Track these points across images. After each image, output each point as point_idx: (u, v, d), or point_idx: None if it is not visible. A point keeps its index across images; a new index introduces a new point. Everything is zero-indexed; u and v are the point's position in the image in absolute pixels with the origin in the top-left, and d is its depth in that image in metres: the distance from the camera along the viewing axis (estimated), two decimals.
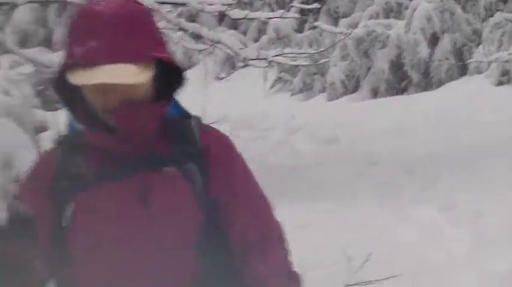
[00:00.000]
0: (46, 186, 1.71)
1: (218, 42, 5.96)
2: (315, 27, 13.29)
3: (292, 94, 16.13)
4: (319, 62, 10.54)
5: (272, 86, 16.46)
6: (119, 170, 1.68)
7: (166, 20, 5.93)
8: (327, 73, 14.75)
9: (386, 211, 6.40)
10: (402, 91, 13.95)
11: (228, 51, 6.10)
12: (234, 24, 17.33)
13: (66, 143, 1.75)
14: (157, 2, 5.69)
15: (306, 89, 15.73)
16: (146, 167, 1.68)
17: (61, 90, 1.67)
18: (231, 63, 16.96)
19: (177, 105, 1.80)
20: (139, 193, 1.67)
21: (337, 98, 14.61)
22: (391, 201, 6.88)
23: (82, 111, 1.69)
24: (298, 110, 13.69)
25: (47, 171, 1.72)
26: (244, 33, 17.22)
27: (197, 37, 6.80)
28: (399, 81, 13.93)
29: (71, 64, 1.59)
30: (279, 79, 16.25)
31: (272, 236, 1.75)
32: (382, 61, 13.74)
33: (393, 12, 15.07)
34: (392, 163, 8.62)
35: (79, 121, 1.72)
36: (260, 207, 1.77)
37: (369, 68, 14.42)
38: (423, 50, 13.20)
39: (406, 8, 14.30)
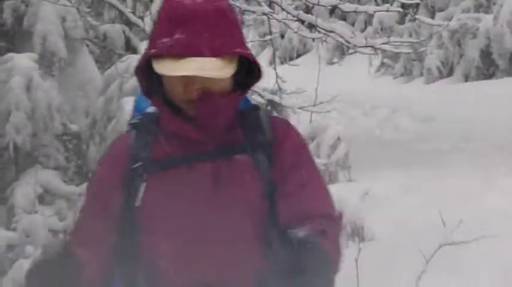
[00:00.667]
0: (120, 170, 1.55)
1: (331, 31, 5.94)
2: (414, 20, 13.16)
3: (394, 78, 16.66)
4: (418, 50, 10.41)
5: (377, 71, 16.78)
6: (194, 155, 1.53)
7: (286, 11, 5.97)
8: (424, 60, 15.41)
9: (478, 180, 6.40)
10: (490, 76, 14.41)
11: (340, 39, 6.05)
12: (343, 16, 17.84)
13: (141, 128, 1.58)
14: None
15: (406, 74, 16.16)
16: (219, 154, 1.54)
17: (143, 76, 1.51)
18: (341, 50, 16.90)
19: (246, 98, 1.65)
20: (212, 178, 1.51)
21: (434, 81, 14.88)
22: (481, 172, 6.83)
23: (161, 98, 1.53)
24: (399, 91, 13.53)
25: (122, 154, 1.57)
26: (352, 24, 17.18)
27: (312, 26, 6.72)
28: (488, 67, 14.28)
29: (157, 54, 1.44)
30: (382, 64, 16.59)
31: (333, 217, 1.55)
32: (472, 50, 13.95)
33: (483, 7, 15.74)
34: (484, 138, 8.43)
35: (158, 108, 1.57)
36: (322, 195, 1.56)
37: (461, 56, 15.12)
38: (509, 41, 12.84)
39: (494, 3, 14.59)
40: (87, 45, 6.09)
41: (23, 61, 4.91)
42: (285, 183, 1.49)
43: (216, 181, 1.48)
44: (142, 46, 5.77)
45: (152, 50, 1.43)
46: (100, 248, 1.50)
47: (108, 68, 5.76)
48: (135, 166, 1.51)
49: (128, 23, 6.43)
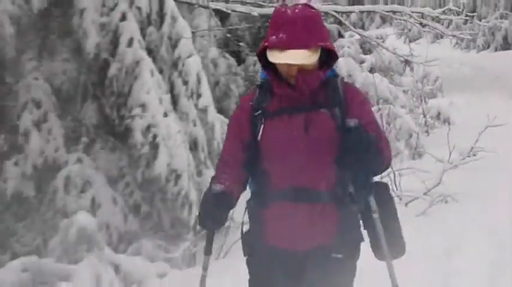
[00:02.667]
0: (248, 114, 2.41)
1: (435, 28, 13.13)
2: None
3: (461, 48, 27.31)
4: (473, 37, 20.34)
5: (453, 46, 28.00)
6: (294, 109, 2.35)
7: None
8: (476, 40, 24.87)
9: (505, 101, 13.25)
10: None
11: (439, 30, 13.19)
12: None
13: (262, 88, 2.42)
14: None
15: (466, 47, 26.91)
16: (310, 108, 2.34)
17: (261, 60, 2.38)
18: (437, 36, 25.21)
19: (333, 70, 2.44)
20: (304, 123, 2.33)
21: (480, 51, 25.74)
22: (502, 95, 14.12)
23: (274, 73, 2.38)
24: (464, 55, 24.91)
25: (249, 105, 2.44)
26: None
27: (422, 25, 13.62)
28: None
29: (271, 45, 2.25)
30: (456, 43, 26.63)
31: (382, 140, 2.33)
32: (498, 36, 24.73)
33: None
34: (509, 79, 16.84)
35: (272, 79, 2.39)
36: (377, 126, 2.38)
37: (493, 39, 24.22)
38: None
39: None
40: None
41: None
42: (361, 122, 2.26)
43: (306, 125, 2.33)
44: None
45: (266, 44, 2.30)
46: (236, 161, 2.42)
47: None
48: (256, 113, 2.39)
49: None
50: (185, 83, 5.96)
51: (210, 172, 5.91)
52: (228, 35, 9.58)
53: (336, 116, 2.30)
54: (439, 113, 11.24)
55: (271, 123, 2.34)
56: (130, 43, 5.70)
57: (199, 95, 6.11)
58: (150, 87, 5.63)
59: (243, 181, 2.45)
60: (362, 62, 11.28)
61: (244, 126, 2.39)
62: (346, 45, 11.06)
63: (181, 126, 5.91)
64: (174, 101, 6.12)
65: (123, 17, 5.70)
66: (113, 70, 5.72)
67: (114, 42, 5.73)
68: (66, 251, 4.61)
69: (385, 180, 5.77)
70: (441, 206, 6.20)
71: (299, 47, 2.20)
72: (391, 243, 2.34)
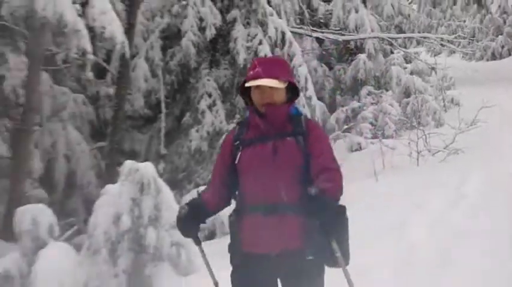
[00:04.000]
0: (230, 145, 2.76)
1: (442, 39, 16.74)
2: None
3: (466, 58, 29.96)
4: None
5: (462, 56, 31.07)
6: (264, 137, 2.66)
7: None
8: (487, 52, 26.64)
9: None
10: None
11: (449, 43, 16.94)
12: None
13: (241, 124, 2.80)
14: None
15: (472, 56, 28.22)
16: (278, 137, 2.65)
17: (242, 93, 2.79)
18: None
19: (297, 109, 2.78)
20: (273, 149, 2.62)
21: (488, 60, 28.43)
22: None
23: (250, 104, 2.75)
24: (468, 63, 29.77)
25: (230, 138, 2.79)
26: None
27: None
28: None
29: (248, 78, 2.66)
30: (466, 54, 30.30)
31: (331, 171, 2.54)
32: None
33: None
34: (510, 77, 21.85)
35: (250, 111, 2.74)
36: (330, 156, 2.62)
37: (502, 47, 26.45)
38: None
39: None
40: None
41: None
42: (312, 153, 2.58)
43: (274, 151, 2.60)
44: None
45: (245, 80, 2.69)
46: (219, 180, 2.77)
47: None
48: (236, 143, 2.71)
49: None
50: (298, 82, 9.40)
51: None
52: (324, 52, 13.98)
53: (300, 143, 2.63)
54: (452, 99, 16.07)
55: (246, 150, 2.67)
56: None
57: (306, 89, 9.56)
58: None
59: (224, 197, 2.79)
60: (405, 68, 15.55)
61: (226, 155, 2.75)
62: (396, 58, 14.42)
63: None
64: None
65: (260, 42, 9.17)
66: None
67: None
68: None
69: (420, 141, 9.40)
70: (455, 156, 9.45)
71: (270, 76, 2.61)
72: (344, 256, 2.51)
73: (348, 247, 2.51)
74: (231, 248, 2.71)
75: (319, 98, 11.60)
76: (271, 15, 9.50)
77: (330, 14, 13.74)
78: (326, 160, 2.56)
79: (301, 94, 9.41)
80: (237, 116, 9.21)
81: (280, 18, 10.06)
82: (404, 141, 9.48)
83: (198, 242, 2.83)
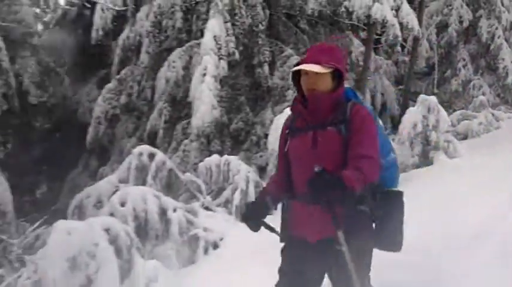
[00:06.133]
0: (284, 132, 2.91)
1: None
2: None
3: None
4: None
5: None
6: (307, 126, 2.75)
7: None
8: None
9: None
10: None
11: None
12: None
13: (290, 115, 2.93)
14: None
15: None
16: (319, 127, 2.71)
17: (293, 78, 2.85)
18: None
19: (350, 94, 2.80)
20: (313, 140, 2.70)
21: None
22: None
23: (299, 94, 2.83)
24: None
25: (286, 125, 2.93)
26: None
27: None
28: None
29: (297, 64, 2.75)
30: None
31: (361, 159, 2.55)
32: None
33: None
34: None
35: (294, 99, 2.85)
36: (365, 147, 2.59)
37: None
38: None
39: None
40: None
41: None
42: (351, 139, 2.62)
43: (314, 142, 2.69)
44: None
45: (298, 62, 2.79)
46: (281, 166, 2.91)
47: None
48: (287, 131, 2.86)
49: None
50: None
51: None
52: None
53: (341, 132, 2.65)
54: None
55: (292, 139, 2.81)
56: None
57: None
58: None
59: (286, 186, 2.85)
60: None
61: (282, 142, 2.91)
62: None
63: None
64: None
65: None
66: None
67: None
68: None
69: None
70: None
71: (312, 62, 2.67)
72: (386, 239, 2.69)
73: (395, 231, 2.74)
74: (281, 231, 2.88)
75: None
76: None
77: None
78: (361, 147, 2.60)
79: None
80: None
81: None
82: None
83: (273, 231, 2.91)
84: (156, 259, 4.98)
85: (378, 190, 2.69)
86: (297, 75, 2.79)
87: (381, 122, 2.80)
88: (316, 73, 2.65)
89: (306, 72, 2.69)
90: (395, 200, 2.79)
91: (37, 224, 7.08)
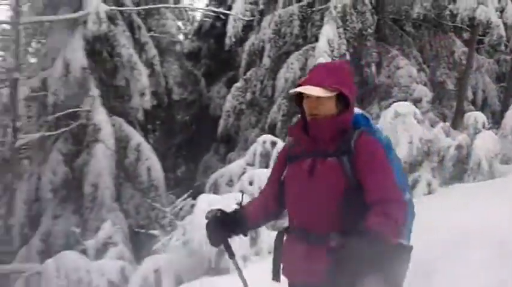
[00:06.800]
0: (284, 156, 2.65)
1: None
2: None
3: None
4: None
5: None
6: (306, 154, 2.47)
7: None
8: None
9: None
10: None
11: None
12: None
13: (290, 140, 2.69)
14: None
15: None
16: (318, 155, 2.42)
17: (295, 100, 2.54)
18: None
19: (361, 120, 2.47)
20: (309, 169, 2.44)
21: None
22: None
23: (302, 118, 2.54)
24: None
25: (286, 149, 2.68)
26: None
27: None
28: None
29: (299, 85, 2.44)
30: None
31: (387, 204, 2.18)
32: None
33: None
34: None
35: (295, 123, 2.62)
36: (386, 188, 2.23)
37: None
38: None
39: None
40: None
41: None
42: (362, 177, 2.29)
43: (310, 172, 2.41)
44: None
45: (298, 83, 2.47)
46: (268, 191, 2.69)
47: None
48: (286, 156, 2.59)
49: None
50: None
51: None
52: None
53: (344, 164, 2.31)
54: None
55: (290, 167, 2.55)
56: None
57: None
58: None
59: (269, 210, 2.68)
60: None
61: (280, 166, 2.65)
62: None
63: None
64: None
65: None
66: None
67: None
68: None
69: None
70: None
71: (314, 84, 2.38)
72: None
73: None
74: (272, 262, 2.58)
75: None
76: None
77: None
78: (381, 188, 2.22)
79: None
80: None
81: None
82: None
83: (230, 255, 2.65)
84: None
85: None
86: (300, 97, 2.50)
87: (396, 153, 2.43)
88: (318, 97, 2.38)
89: (308, 95, 2.42)
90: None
91: (185, 195, 8.51)
